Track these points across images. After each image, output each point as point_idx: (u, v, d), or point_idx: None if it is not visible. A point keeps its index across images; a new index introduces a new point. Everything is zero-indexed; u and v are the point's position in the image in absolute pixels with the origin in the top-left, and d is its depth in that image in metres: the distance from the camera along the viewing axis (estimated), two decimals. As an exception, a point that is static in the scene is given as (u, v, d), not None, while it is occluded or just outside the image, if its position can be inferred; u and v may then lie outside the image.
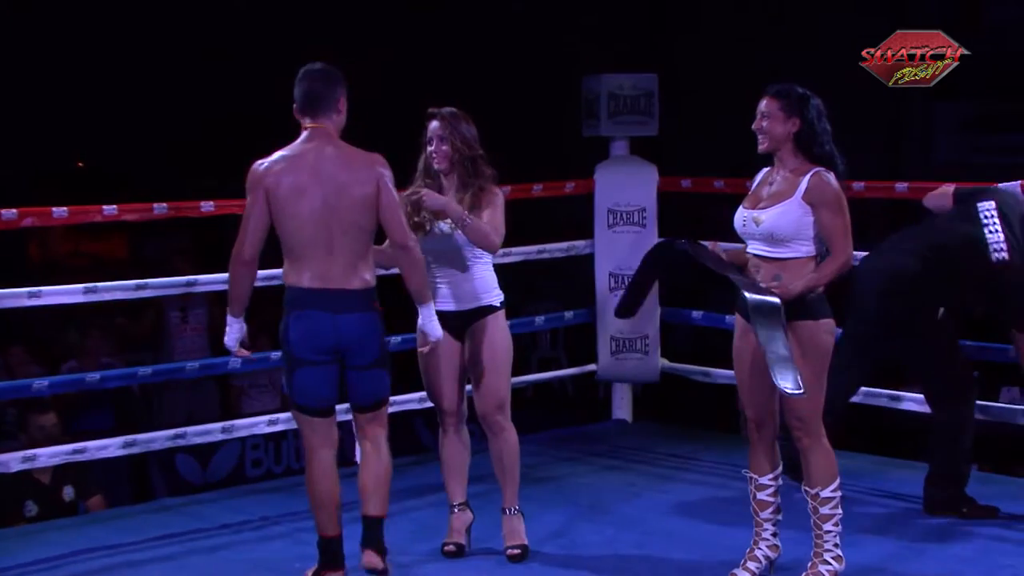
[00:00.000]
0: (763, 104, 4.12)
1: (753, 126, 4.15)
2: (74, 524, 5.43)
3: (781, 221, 4.05)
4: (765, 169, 4.24)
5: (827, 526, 4.13)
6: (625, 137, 6.56)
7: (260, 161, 4.15)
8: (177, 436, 5.44)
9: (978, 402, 5.63)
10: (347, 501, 4.33)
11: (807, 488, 4.15)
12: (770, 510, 4.24)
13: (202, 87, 10.77)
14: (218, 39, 10.62)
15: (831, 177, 4.07)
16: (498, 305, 4.56)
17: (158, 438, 5.42)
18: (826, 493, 4.12)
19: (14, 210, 5.02)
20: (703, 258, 4.18)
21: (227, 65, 10.67)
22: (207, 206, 5.40)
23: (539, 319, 6.78)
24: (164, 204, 5.35)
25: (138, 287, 5.33)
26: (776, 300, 3.94)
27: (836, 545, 4.16)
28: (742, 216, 4.15)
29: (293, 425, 5.96)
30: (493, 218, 4.46)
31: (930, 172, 6.29)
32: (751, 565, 4.26)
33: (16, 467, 5.13)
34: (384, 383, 4.27)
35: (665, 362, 6.55)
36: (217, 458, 7.87)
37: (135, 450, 5.45)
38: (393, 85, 11.02)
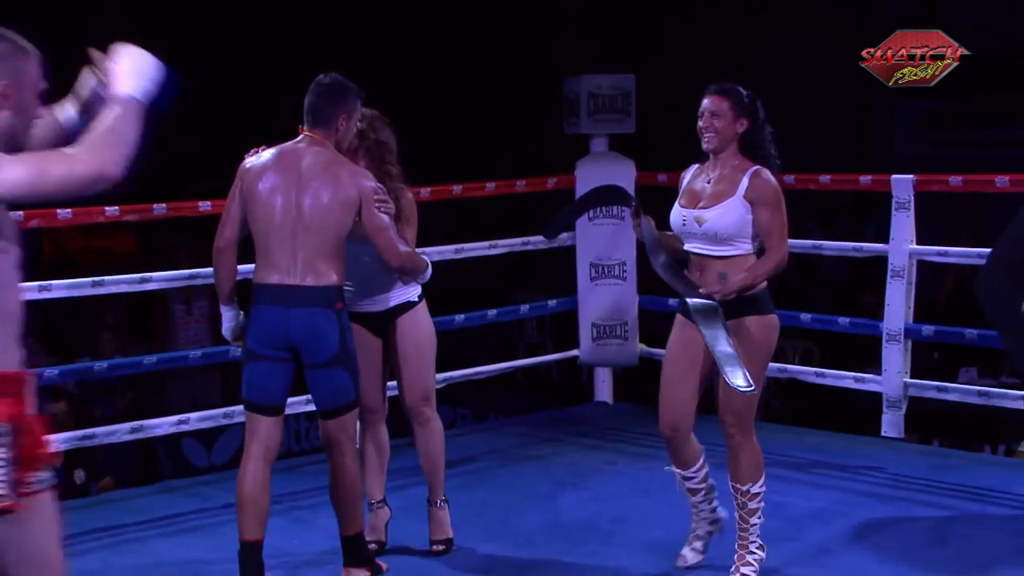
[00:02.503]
0: (711, 103, 3.93)
1: (701, 124, 3.95)
2: (85, 505, 5.45)
3: (724, 220, 3.89)
4: (695, 166, 4.08)
5: (753, 519, 4.00)
6: (604, 134, 6.59)
7: (249, 155, 4.08)
8: (181, 422, 5.45)
9: (934, 382, 5.69)
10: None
11: (737, 484, 3.99)
12: (702, 493, 4.16)
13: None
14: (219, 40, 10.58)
15: (770, 175, 3.93)
16: (416, 300, 4.40)
17: (163, 424, 5.42)
18: (755, 489, 3.98)
19: (20, 212, 5.02)
20: (645, 237, 4.04)
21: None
22: (205, 206, 5.41)
23: (524, 307, 6.79)
24: (163, 204, 5.35)
25: (142, 280, 5.33)
26: (714, 301, 3.82)
27: (759, 536, 4.04)
28: (681, 215, 3.97)
29: (293, 409, 5.99)
30: (413, 236, 4.28)
31: (894, 166, 6.32)
32: (697, 544, 4.22)
33: (29, 452, 5.12)
34: (343, 384, 4.00)
35: (643, 347, 6.57)
36: (221, 442, 7.88)
37: (141, 435, 5.46)
38: (379, 85, 11.02)
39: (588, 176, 6.47)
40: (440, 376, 6.11)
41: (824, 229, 9.24)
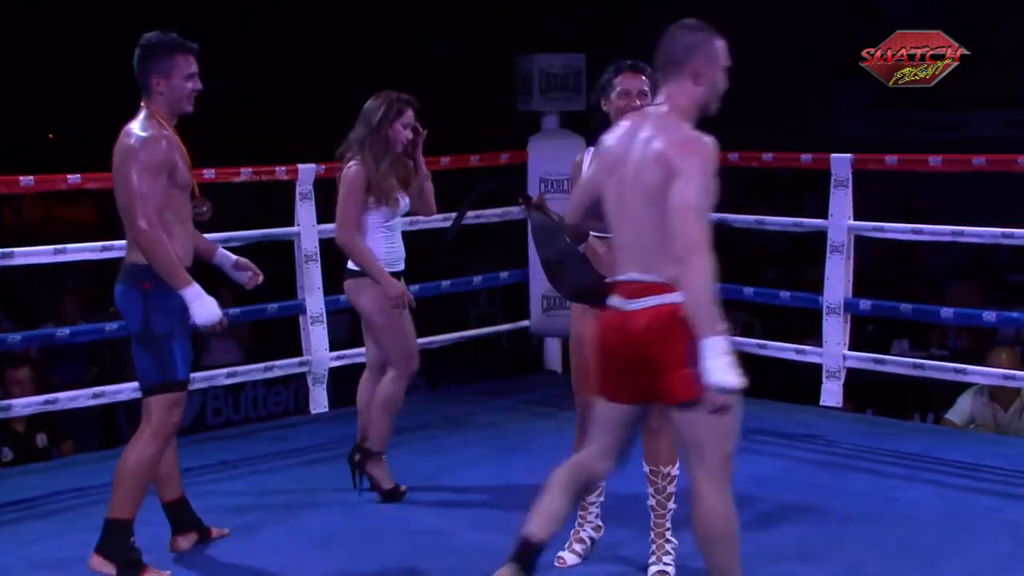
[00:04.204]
0: (639, 82, 3.78)
1: (630, 107, 3.73)
2: (47, 468, 5.40)
3: None
4: (590, 150, 3.84)
5: (670, 504, 3.84)
6: (555, 112, 6.59)
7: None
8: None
9: (871, 354, 5.75)
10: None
11: (658, 467, 3.82)
12: (597, 492, 3.98)
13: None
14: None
15: None
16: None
17: (124, 389, 5.37)
18: (675, 471, 3.82)
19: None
20: (535, 224, 3.70)
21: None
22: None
23: (477, 279, 6.79)
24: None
25: (104, 248, 5.26)
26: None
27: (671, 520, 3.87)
28: None
29: (251, 377, 5.98)
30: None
31: (833, 145, 6.35)
32: (577, 547, 4.01)
33: (-8, 416, 5.07)
34: (142, 365, 3.79)
35: (592, 318, 6.58)
36: (180, 407, 7.82)
37: (103, 401, 5.40)
38: (334, 66, 10.95)
39: (539, 152, 6.48)
40: (395, 345, 6.11)
41: (765, 204, 9.31)
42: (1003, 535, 4.25)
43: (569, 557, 4.00)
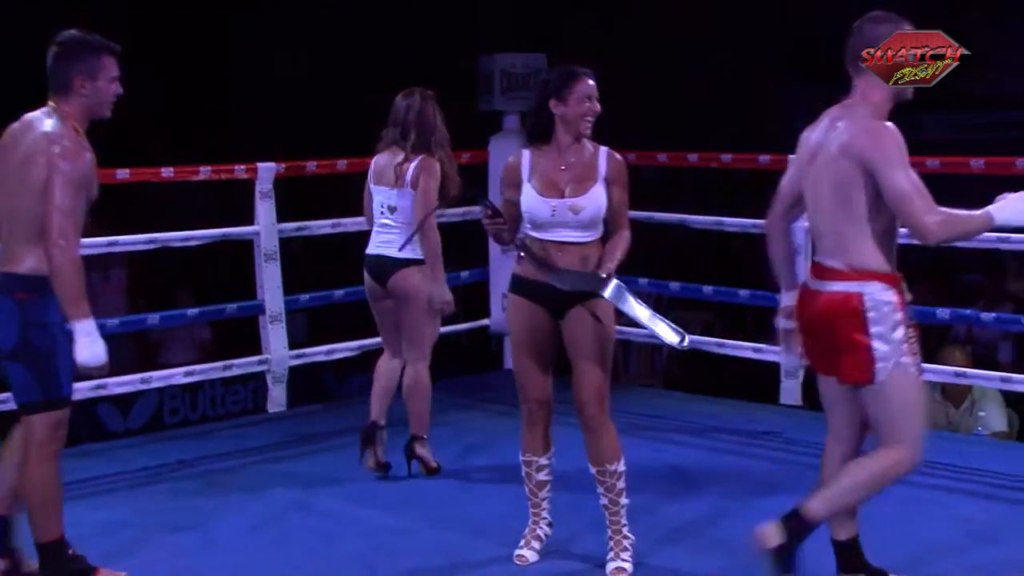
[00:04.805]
0: (593, 87, 3.79)
1: (592, 110, 3.78)
2: None
3: (596, 205, 3.75)
4: (526, 152, 3.83)
5: (622, 500, 3.85)
6: (517, 111, 6.58)
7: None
8: (98, 387, 5.33)
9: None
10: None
11: (604, 467, 3.82)
12: (547, 489, 3.99)
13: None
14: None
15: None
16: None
17: (80, 388, 5.28)
18: (621, 467, 3.83)
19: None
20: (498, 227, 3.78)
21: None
22: (122, 173, 5.30)
23: (437, 278, 6.74)
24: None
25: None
26: (607, 281, 3.70)
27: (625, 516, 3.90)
28: (550, 205, 3.74)
29: (209, 376, 5.94)
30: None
31: (791, 146, 6.38)
32: (535, 544, 4.01)
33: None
34: (19, 380, 3.52)
35: (551, 317, 6.58)
36: (137, 407, 7.77)
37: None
38: (302, 64, 10.89)
39: (501, 152, 6.46)
40: (354, 343, 6.11)
41: (726, 205, 9.33)
42: (952, 529, 4.29)
43: (529, 554, 4.01)
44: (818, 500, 3.46)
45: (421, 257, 4.78)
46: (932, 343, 7.01)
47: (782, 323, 3.61)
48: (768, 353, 5.81)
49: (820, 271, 3.41)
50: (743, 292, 6.13)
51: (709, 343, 6.17)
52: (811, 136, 3.48)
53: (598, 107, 3.81)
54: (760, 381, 6.36)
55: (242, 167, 5.69)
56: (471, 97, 6.67)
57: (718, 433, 5.59)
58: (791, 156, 3.67)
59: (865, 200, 3.29)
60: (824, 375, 3.50)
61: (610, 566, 3.88)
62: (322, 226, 6.05)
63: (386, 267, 4.81)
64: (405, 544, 4.19)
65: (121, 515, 4.51)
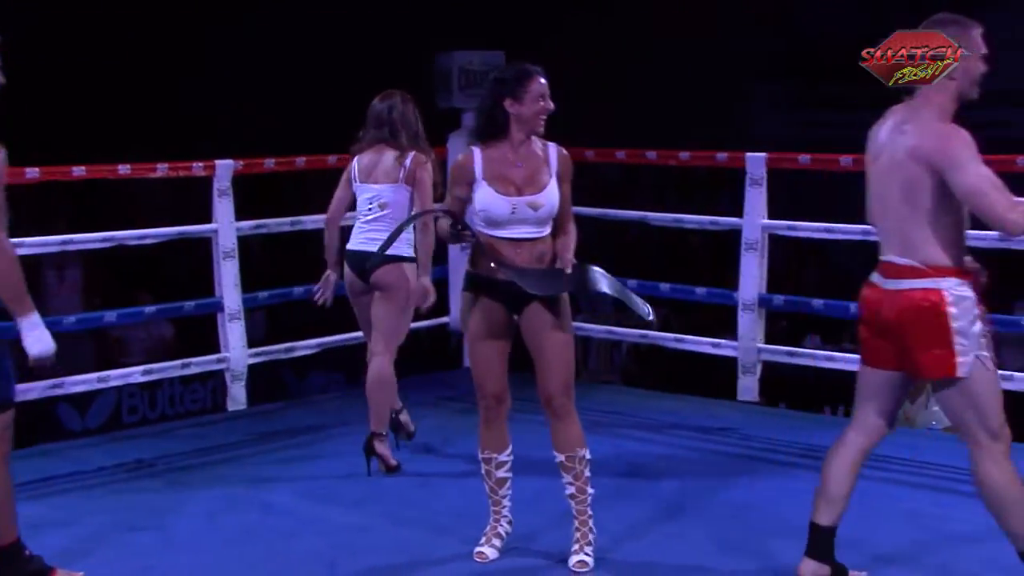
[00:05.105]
0: (546, 86, 3.81)
1: (546, 108, 3.81)
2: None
3: (553, 201, 3.79)
4: (476, 150, 3.85)
5: (588, 488, 3.88)
6: (475, 108, 6.56)
7: None
8: (55, 386, 5.30)
9: (785, 347, 5.85)
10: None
11: (571, 453, 3.85)
12: (507, 486, 3.99)
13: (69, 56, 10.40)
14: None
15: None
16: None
17: (36, 388, 5.27)
18: (588, 454, 3.88)
19: None
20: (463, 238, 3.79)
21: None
22: (79, 170, 5.27)
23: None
24: (36, 168, 5.18)
25: (14, 246, 5.13)
26: (577, 272, 3.77)
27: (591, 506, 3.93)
28: (509, 203, 3.76)
29: (168, 374, 5.91)
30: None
31: (749, 145, 6.45)
32: (495, 541, 4.01)
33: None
34: None
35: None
36: (95, 406, 7.71)
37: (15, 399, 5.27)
38: (249, 63, 10.83)
39: (459, 149, 6.46)
40: (314, 341, 6.10)
41: (684, 203, 9.40)
42: (906, 523, 4.34)
43: (489, 552, 4.02)
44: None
45: (406, 254, 4.83)
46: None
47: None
48: (726, 348, 5.86)
49: (892, 269, 3.44)
50: (700, 290, 6.17)
51: (668, 339, 6.21)
52: (876, 135, 3.51)
53: (552, 105, 3.84)
54: (718, 377, 6.42)
55: (200, 164, 5.67)
56: (429, 94, 6.67)
57: (677, 429, 5.63)
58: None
59: (934, 200, 3.35)
60: (888, 368, 3.51)
61: (573, 559, 3.91)
62: (280, 224, 6.03)
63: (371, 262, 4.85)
64: (365, 542, 4.19)
65: (79, 515, 4.48)
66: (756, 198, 5.67)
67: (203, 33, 10.67)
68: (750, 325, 5.70)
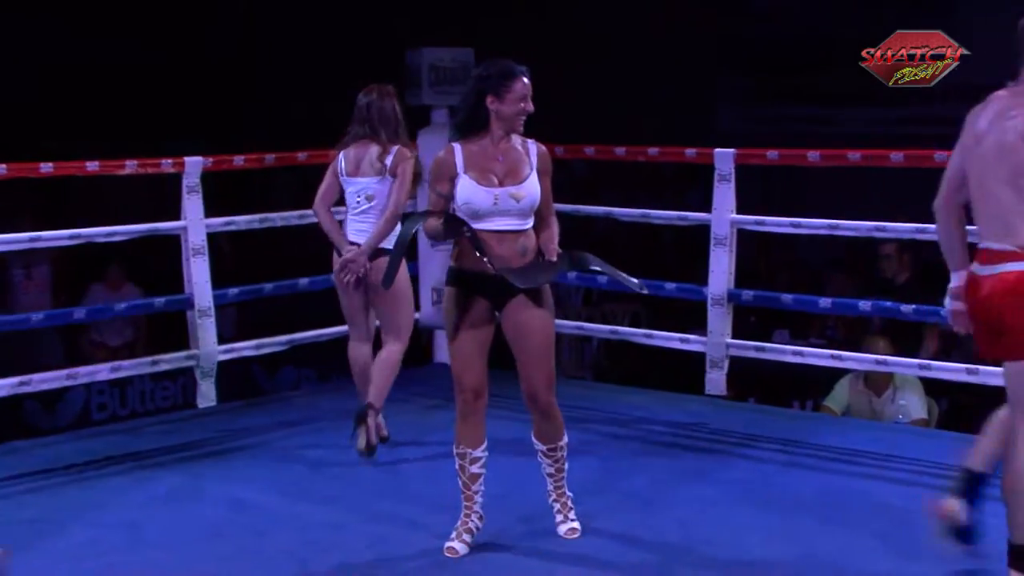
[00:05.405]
0: (529, 87, 3.88)
1: (526, 110, 3.87)
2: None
3: (534, 193, 3.86)
4: (457, 145, 3.90)
5: (565, 466, 4.06)
6: (445, 105, 6.57)
7: None
8: (22, 383, 5.26)
9: (753, 342, 5.88)
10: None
11: (554, 444, 4.00)
12: (480, 482, 4.01)
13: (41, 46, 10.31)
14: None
15: None
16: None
17: (4, 385, 5.23)
18: (567, 441, 4.03)
19: None
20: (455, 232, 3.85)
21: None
22: (46, 167, 5.23)
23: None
24: (3, 165, 5.15)
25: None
26: (564, 258, 3.88)
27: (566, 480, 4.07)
28: (492, 194, 3.81)
29: (137, 371, 5.88)
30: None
31: (714, 139, 6.47)
32: (466, 537, 4.03)
33: None
34: None
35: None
36: (63, 404, 7.66)
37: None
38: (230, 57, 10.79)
39: (429, 145, 6.44)
40: (283, 338, 6.08)
41: (653, 198, 9.41)
42: (875, 516, 4.37)
43: (460, 547, 4.02)
44: None
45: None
46: (856, 335, 7.16)
47: (951, 304, 3.62)
48: (695, 343, 5.88)
49: (989, 255, 3.44)
50: (670, 285, 6.19)
51: (638, 334, 6.22)
52: (977, 120, 3.49)
53: (531, 107, 3.90)
54: (687, 372, 6.43)
55: (169, 161, 5.64)
56: (399, 91, 6.65)
57: (647, 423, 5.65)
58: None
59: None
60: (991, 357, 3.52)
61: (563, 528, 4.07)
62: (250, 221, 6.01)
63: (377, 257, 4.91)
64: (337, 539, 4.19)
65: (48, 512, 4.46)
66: (724, 193, 5.69)
67: (180, 28, 10.61)
68: (719, 320, 5.73)
